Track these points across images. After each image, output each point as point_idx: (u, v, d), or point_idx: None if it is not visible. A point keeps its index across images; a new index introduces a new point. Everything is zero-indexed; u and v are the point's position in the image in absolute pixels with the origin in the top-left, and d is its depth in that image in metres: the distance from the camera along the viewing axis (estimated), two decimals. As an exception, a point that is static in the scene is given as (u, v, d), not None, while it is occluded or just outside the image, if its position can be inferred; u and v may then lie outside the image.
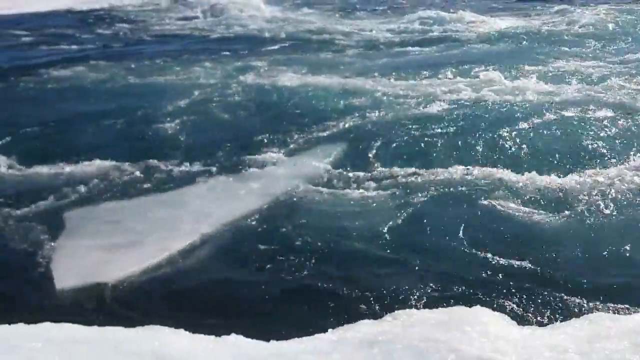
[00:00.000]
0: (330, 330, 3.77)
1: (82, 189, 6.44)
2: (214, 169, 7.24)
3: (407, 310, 3.77)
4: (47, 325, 3.63)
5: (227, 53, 13.18)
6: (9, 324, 3.61)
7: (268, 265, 4.71)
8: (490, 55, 12.12)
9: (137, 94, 9.99)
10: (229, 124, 8.52)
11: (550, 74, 10.20)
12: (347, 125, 7.86)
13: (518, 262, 4.62)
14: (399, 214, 5.33)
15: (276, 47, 13.98)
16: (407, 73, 10.68)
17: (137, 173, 6.66)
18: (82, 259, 5.22)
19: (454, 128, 7.61)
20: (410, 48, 13.15)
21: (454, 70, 10.72)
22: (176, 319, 4.09)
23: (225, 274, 5.03)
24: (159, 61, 12.85)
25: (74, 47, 16.50)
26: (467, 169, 6.34)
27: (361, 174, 6.39)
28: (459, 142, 7.23)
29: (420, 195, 5.72)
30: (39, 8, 39.84)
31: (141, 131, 8.05)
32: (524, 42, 13.12)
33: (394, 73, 10.62)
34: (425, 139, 7.36)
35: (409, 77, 10.28)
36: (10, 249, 5.08)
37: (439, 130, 7.56)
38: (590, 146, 6.95)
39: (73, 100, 10.03)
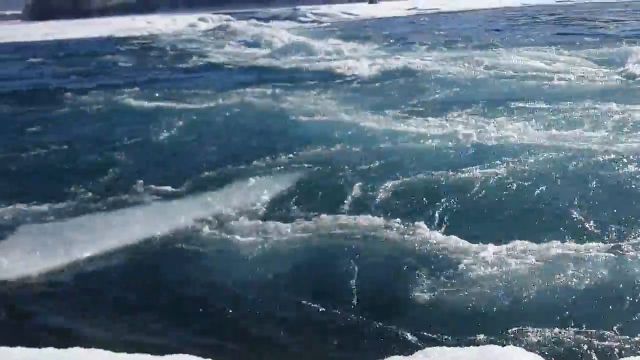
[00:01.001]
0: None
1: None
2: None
3: (439, 347, 3.56)
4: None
5: (241, 81, 12.96)
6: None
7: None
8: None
9: (149, 118, 9.60)
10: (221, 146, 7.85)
11: None
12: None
13: (551, 300, 4.36)
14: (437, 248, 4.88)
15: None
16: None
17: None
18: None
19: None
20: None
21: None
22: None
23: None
24: (186, 89, 12.70)
25: (107, 73, 16.66)
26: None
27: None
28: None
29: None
30: (80, 35, 41.08)
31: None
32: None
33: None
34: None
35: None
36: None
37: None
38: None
39: (88, 124, 9.85)
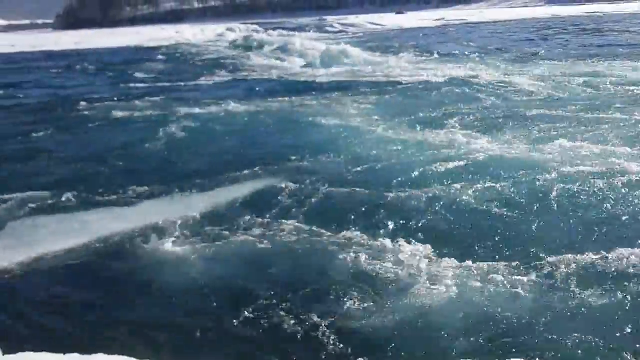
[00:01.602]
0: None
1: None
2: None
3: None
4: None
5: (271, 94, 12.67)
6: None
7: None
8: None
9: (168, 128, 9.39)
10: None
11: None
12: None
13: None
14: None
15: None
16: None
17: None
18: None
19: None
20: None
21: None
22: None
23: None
24: (201, 95, 12.47)
25: (130, 82, 16.61)
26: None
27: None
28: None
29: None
30: (109, 44, 41.58)
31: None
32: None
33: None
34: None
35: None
36: None
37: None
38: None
39: (106, 131, 9.71)
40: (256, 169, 6.94)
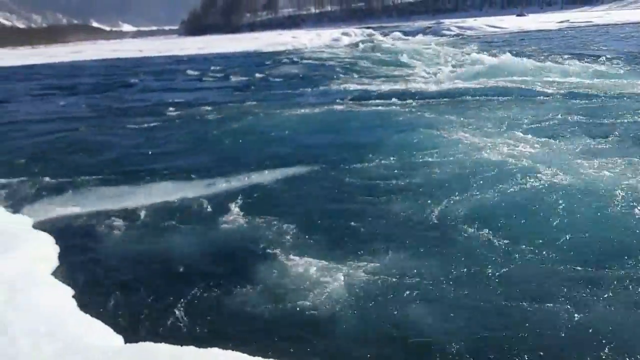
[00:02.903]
0: None
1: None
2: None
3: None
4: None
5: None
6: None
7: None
8: None
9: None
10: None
11: None
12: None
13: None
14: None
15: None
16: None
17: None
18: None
19: None
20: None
21: None
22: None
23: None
24: (313, 99, 12.51)
25: (240, 85, 17.16)
26: None
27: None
28: None
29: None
30: (230, 49, 43.30)
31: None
32: None
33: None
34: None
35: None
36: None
37: None
38: None
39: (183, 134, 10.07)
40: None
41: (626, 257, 4.36)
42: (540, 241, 4.70)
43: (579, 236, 4.74)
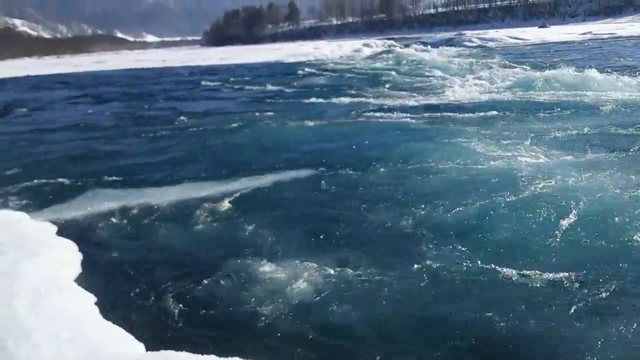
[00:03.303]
0: None
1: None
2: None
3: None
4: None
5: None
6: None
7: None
8: None
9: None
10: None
11: None
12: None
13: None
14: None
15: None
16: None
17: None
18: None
19: None
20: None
21: None
22: None
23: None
24: (328, 111, 12.43)
25: (260, 96, 17.23)
26: None
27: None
28: None
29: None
30: (252, 60, 43.61)
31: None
32: None
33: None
34: None
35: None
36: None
37: None
38: None
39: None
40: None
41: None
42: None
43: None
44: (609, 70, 16.45)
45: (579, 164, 7.05)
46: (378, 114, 12.16)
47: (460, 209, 5.70)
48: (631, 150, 7.69)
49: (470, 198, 5.96)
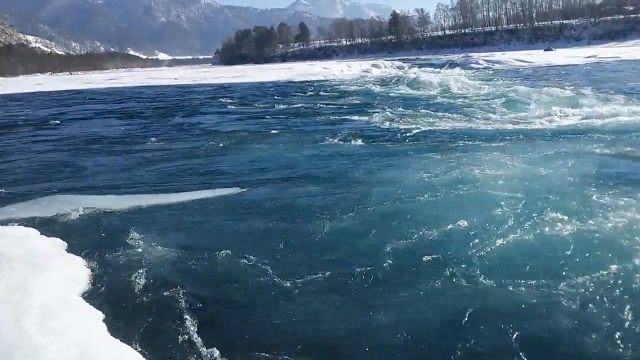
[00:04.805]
0: None
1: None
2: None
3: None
4: None
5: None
6: None
7: None
8: None
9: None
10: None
11: None
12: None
13: None
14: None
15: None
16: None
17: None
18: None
19: None
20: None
21: None
22: None
23: None
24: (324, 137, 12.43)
25: (265, 114, 17.39)
26: None
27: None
28: None
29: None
30: (262, 79, 43.93)
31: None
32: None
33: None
34: None
35: None
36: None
37: None
38: None
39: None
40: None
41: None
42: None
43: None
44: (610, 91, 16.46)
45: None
46: (379, 137, 12.21)
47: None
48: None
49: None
